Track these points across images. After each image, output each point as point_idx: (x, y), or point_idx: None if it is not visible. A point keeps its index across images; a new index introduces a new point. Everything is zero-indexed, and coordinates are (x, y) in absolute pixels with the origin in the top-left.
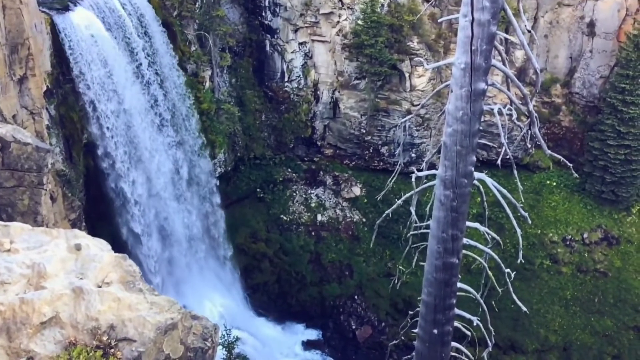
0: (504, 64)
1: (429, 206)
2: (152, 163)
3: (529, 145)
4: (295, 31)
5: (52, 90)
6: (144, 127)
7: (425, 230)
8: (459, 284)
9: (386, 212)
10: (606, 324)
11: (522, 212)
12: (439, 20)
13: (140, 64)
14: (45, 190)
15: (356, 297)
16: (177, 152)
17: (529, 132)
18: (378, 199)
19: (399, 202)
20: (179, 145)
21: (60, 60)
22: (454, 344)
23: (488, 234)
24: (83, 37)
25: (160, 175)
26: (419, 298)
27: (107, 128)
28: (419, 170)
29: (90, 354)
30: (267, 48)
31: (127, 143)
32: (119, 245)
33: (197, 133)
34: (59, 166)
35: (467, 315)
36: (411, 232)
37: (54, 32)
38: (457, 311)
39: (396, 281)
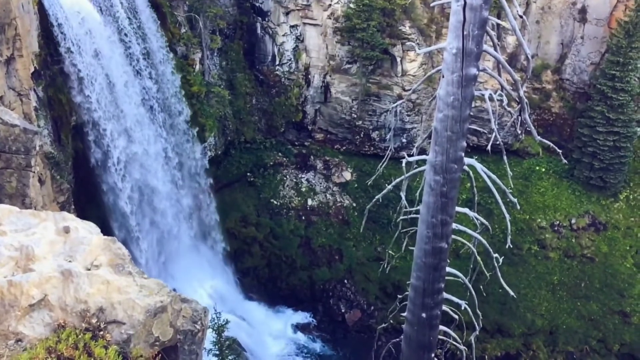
0: (495, 50)
1: (419, 191)
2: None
3: (519, 131)
4: (287, 14)
5: (40, 71)
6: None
7: (415, 215)
8: (448, 269)
9: (376, 197)
10: (592, 308)
11: (511, 197)
12: (431, 5)
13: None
14: (34, 172)
15: (346, 281)
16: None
17: (519, 118)
18: (368, 183)
19: (389, 187)
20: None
21: (48, 41)
22: (442, 327)
23: (477, 219)
24: (71, 17)
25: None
26: (408, 282)
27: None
28: (410, 155)
29: (80, 337)
30: (258, 31)
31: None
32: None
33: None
34: (47, 148)
35: (456, 300)
36: (401, 217)
37: (42, 12)
38: (445, 295)
39: (385, 265)
